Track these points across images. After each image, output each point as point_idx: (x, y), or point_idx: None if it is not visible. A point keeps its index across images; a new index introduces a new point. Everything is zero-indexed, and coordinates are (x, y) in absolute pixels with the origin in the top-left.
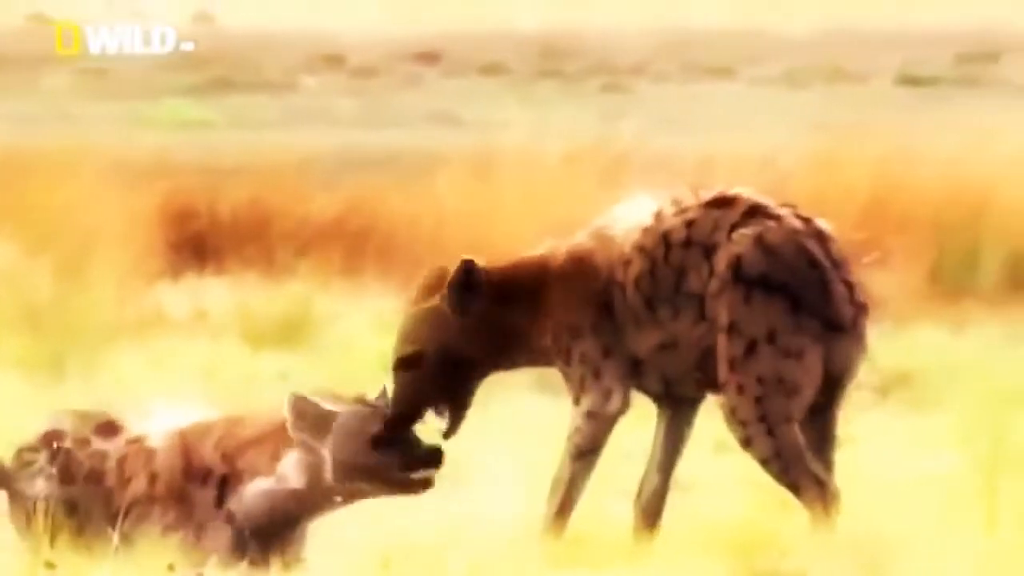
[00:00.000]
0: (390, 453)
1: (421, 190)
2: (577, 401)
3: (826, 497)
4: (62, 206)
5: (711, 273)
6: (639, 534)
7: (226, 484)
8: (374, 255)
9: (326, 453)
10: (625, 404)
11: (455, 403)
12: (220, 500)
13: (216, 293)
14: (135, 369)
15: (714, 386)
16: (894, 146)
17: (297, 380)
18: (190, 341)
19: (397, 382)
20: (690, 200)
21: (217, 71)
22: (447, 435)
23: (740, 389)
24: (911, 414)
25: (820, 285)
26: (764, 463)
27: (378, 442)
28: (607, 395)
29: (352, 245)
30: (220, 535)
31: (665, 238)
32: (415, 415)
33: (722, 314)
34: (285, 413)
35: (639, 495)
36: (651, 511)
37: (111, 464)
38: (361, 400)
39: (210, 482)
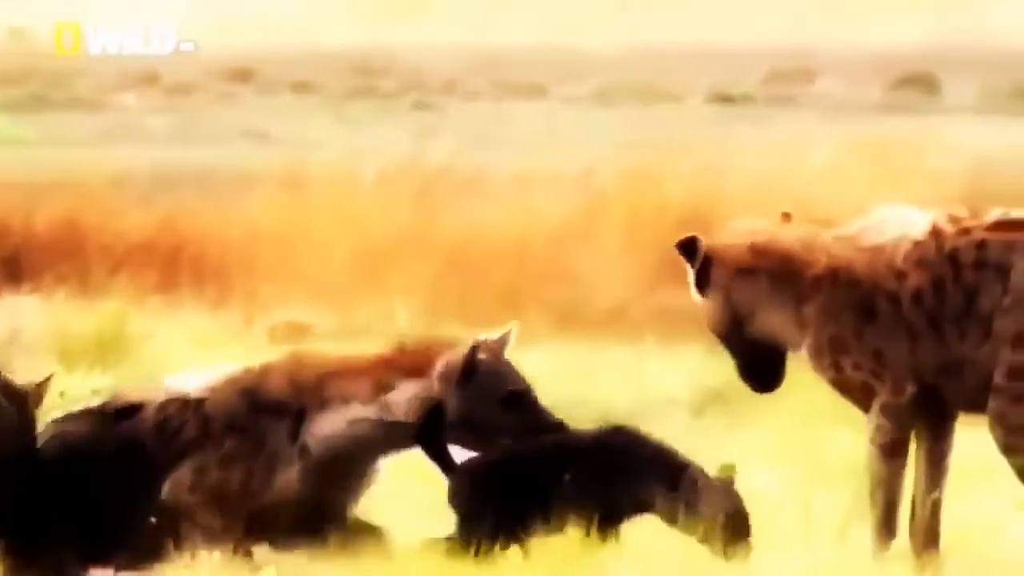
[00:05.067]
0: (515, 415)
1: (234, 207)
2: (865, 407)
3: None
4: None
5: (1004, 292)
6: (919, 558)
7: (301, 418)
8: (188, 272)
9: (452, 400)
10: (913, 392)
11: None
12: (294, 434)
13: (30, 311)
14: None
15: (977, 405)
16: (707, 163)
17: None
18: (4, 359)
19: None
20: (972, 220)
21: (31, 88)
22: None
23: (1016, 398)
24: (727, 432)
25: None
26: (1023, 474)
27: (509, 401)
28: (898, 384)
29: (166, 262)
30: (292, 468)
31: (953, 258)
32: None
33: (1010, 328)
34: (448, 357)
35: (912, 519)
36: (930, 534)
37: (147, 432)
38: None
39: (284, 416)
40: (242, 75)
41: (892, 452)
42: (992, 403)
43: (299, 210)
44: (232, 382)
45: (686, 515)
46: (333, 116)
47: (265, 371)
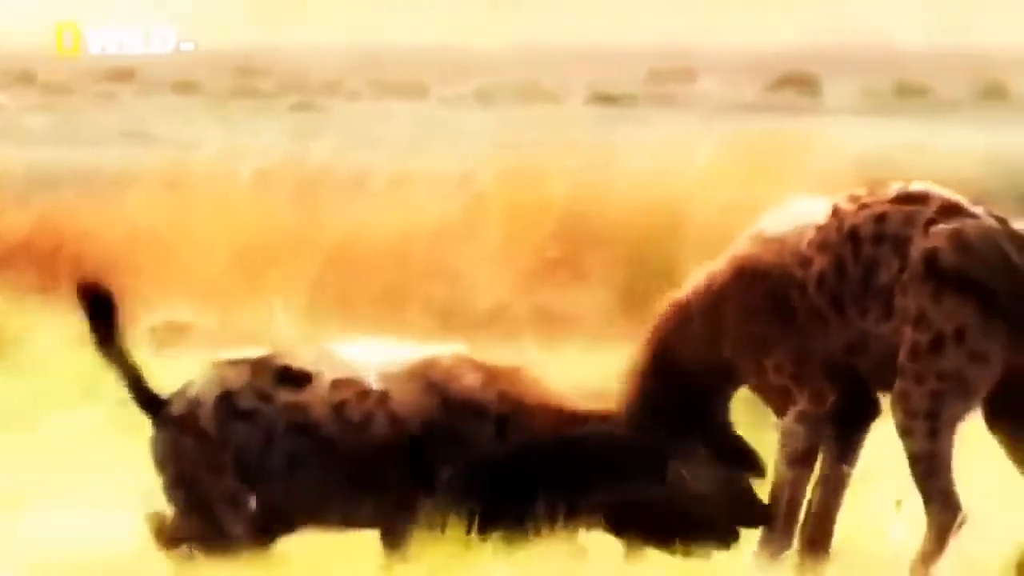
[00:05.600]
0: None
1: (114, 207)
2: (782, 412)
3: (952, 519)
4: None
5: (902, 268)
6: (805, 561)
7: (507, 424)
8: (67, 271)
9: None
10: (832, 401)
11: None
12: (502, 434)
13: None
14: None
15: (889, 384)
16: (588, 164)
17: None
18: None
19: None
20: (871, 196)
21: None
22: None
23: (919, 379)
24: None
25: (1015, 288)
26: (913, 459)
27: None
28: (817, 394)
29: (45, 262)
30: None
31: (852, 234)
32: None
33: (910, 306)
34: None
35: (805, 522)
36: (822, 537)
37: (321, 413)
38: None
39: (486, 418)
40: (121, 75)
41: (802, 460)
42: (898, 383)
43: (179, 210)
44: (416, 376)
45: (686, 500)
46: (214, 116)
47: (451, 368)
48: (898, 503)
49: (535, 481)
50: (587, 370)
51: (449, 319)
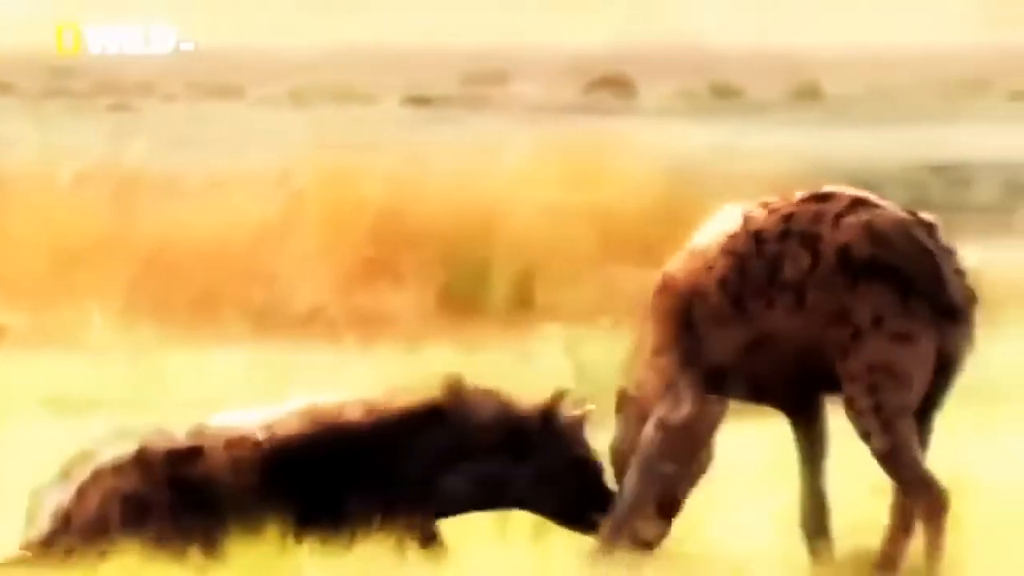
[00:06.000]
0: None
1: None
2: (646, 417)
3: (936, 500)
4: None
5: (813, 262)
6: (816, 557)
7: (381, 447)
8: None
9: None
10: (699, 414)
11: None
12: (379, 458)
13: None
14: None
15: (817, 384)
16: (402, 165)
17: None
18: None
19: None
20: (780, 201)
21: None
22: None
23: (852, 377)
24: None
25: (932, 269)
26: (881, 458)
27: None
28: (677, 403)
29: None
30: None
31: (756, 235)
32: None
33: (827, 303)
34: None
35: (802, 516)
36: (820, 529)
37: (217, 473)
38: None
39: (369, 441)
40: None
41: (652, 465)
42: (843, 388)
43: None
44: (302, 416)
45: (543, 484)
46: (28, 117)
47: (333, 408)
48: (719, 504)
49: (349, 480)
50: (404, 370)
51: (266, 320)
